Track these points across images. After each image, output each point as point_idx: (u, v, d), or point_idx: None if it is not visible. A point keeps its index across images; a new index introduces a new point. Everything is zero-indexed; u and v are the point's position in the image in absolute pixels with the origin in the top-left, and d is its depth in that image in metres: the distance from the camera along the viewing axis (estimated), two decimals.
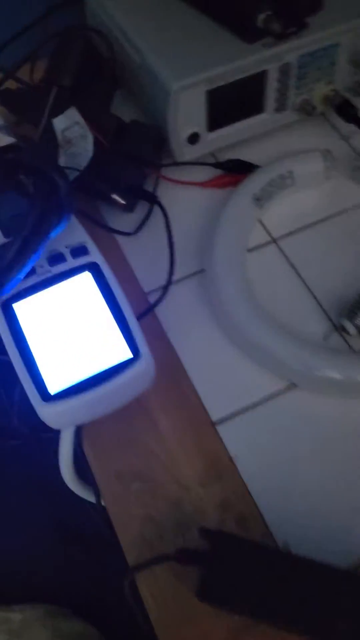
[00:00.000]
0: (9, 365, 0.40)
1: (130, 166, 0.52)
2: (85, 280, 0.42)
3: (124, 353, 0.39)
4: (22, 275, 0.39)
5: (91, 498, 0.50)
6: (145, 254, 0.54)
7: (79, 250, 0.43)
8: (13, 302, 0.41)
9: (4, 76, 0.56)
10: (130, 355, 0.39)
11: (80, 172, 0.49)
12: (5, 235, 0.43)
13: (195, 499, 0.43)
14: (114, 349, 0.39)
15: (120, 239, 0.55)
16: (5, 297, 0.40)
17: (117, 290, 0.41)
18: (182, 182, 0.56)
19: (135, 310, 0.43)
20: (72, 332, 0.40)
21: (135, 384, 0.39)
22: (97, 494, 0.45)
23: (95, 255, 0.43)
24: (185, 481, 0.43)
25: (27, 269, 0.39)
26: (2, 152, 0.40)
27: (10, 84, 0.57)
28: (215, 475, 0.43)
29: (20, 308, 0.41)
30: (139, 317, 0.48)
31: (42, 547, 0.81)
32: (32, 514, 0.80)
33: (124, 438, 0.45)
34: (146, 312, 0.49)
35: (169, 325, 0.50)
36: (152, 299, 0.51)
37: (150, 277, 0.52)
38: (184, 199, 0.56)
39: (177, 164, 0.55)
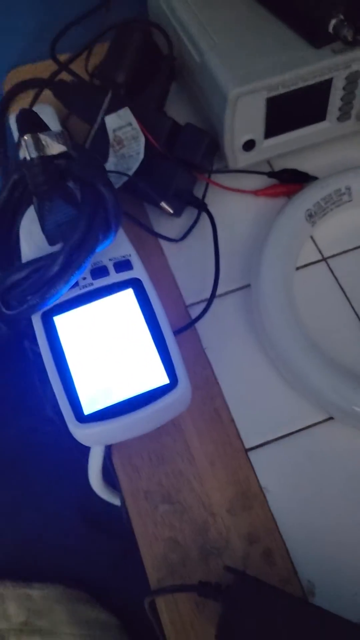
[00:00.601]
0: None
1: (181, 170, 0.50)
2: (126, 298, 0.41)
3: (161, 378, 0.38)
4: (65, 290, 0.38)
5: (117, 502, 0.50)
6: (189, 263, 0.52)
7: (123, 265, 0.41)
8: (54, 315, 0.40)
9: (58, 68, 0.54)
10: (167, 381, 0.38)
11: (129, 178, 0.48)
12: (50, 242, 0.42)
13: (222, 526, 0.42)
14: (151, 373, 0.38)
15: (165, 244, 0.53)
16: (46, 308, 0.39)
17: (159, 310, 0.40)
18: (233, 190, 0.54)
19: (174, 323, 0.42)
20: (109, 350, 0.39)
21: (170, 410, 0.38)
22: (123, 501, 0.45)
23: (139, 271, 0.41)
24: (213, 507, 0.43)
25: (71, 283, 0.38)
26: (53, 158, 0.39)
27: (64, 76, 0.56)
28: (244, 504, 0.43)
29: (61, 321, 0.40)
30: (178, 331, 0.47)
31: (66, 531, 0.82)
32: (60, 498, 0.81)
33: (155, 456, 0.44)
34: (186, 327, 0.48)
35: (208, 342, 0.48)
36: (192, 311, 0.50)
37: (192, 288, 0.51)
38: (233, 207, 0.54)
39: (229, 171, 0.53)
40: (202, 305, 0.49)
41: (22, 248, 0.43)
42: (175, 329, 0.45)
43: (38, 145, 0.38)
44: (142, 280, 0.41)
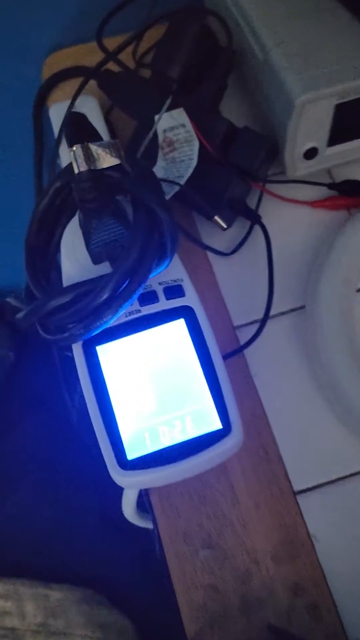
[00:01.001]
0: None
1: (236, 179, 0.46)
2: (177, 329, 0.37)
3: (214, 423, 0.35)
4: (112, 320, 0.34)
5: (150, 526, 0.47)
6: (238, 280, 0.48)
7: (174, 291, 0.38)
8: (97, 344, 0.36)
9: (104, 57, 0.50)
10: (219, 426, 0.35)
11: (181, 187, 0.44)
12: (95, 261, 0.38)
13: (266, 575, 0.39)
14: (201, 416, 0.35)
15: (213, 258, 0.49)
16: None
17: (212, 344, 0.37)
18: (289, 200, 0.50)
19: (221, 347, 0.38)
20: (156, 388, 0.36)
21: (220, 457, 0.35)
22: (158, 536, 0.42)
23: (191, 298, 0.38)
24: (257, 554, 0.40)
25: (119, 314, 0.34)
26: (103, 172, 0.35)
27: (111, 66, 0.51)
28: (290, 553, 0.39)
29: (104, 351, 0.36)
30: (226, 356, 0.43)
31: (87, 531, 0.80)
32: (81, 498, 0.79)
33: (196, 496, 0.41)
34: (235, 352, 0.44)
35: (257, 369, 0.45)
36: (241, 334, 0.46)
37: (241, 308, 0.47)
38: (288, 220, 0.50)
39: (287, 181, 0.49)
40: (252, 328, 0.45)
41: (62, 264, 0.39)
42: (222, 353, 0.41)
43: (88, 157, 0.34)
44: (194, 309, 0.37)
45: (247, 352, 0.45)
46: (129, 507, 0.42)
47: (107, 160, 0.35)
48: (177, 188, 0.44)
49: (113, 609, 0.79)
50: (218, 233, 0.49)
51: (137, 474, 0.34)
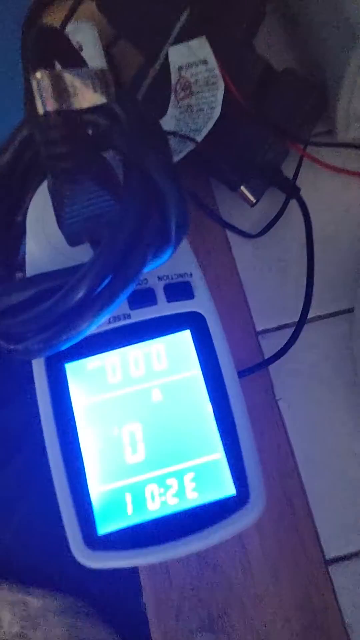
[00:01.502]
0: None
1: (272, 139, 0.34)
2: (180, 345, 0.26)
3: (224, 486, 0.24)
4: (88, 331, 0.24)
5: None
6: (267, 270, 0.37)
7: (180, 290, 0.27)
8: (66, 361, 0.26)
9: None
10: (232, 491, 0.24)
11: (197, 146, 0.32)
12: (71, 241, 0.27)
13: None
14: (208, 475, 0.25)
15: (234, 239, 0.38)
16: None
17: (228, 369, 0.26)
18: (338, 170, 0.38)
19: (239, 359, 0.28)
20: (146, 429, 0.25)
21: (229, 533, 0.24)
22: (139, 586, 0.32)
23: (202, 301, 0.27)
24: None
25: (98, 323, 0.24)
26: (81, 115, 0.24)
27: None
28: None
29: (76, 372, 0.26)
30: (244, 372, 0.33)
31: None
32: None
33: (195, 557, 0.31)
34: (256, 368, 0.33)
35: (285, 391, 0.34)
36: (265, 342, 0.35)
37: (268, 308, 0.36)
38: (336, 195, 0.39)
39: (336, 144, 0.37)
40: (281, 335, 0.35)
41: (27, 244, 0.29)
42: (240, 368, 0.30)
43: (60, 90, 0.23)
44: (206, 317, 0.27)
45: (273, 367, 0.34)
46: None
47: (87, 97, 0.24)
48: (192, 146, 0.32)
49: (97, 620, 0.71)
50: (243, 208, 0.38)
51: (110, 556, 0.24)
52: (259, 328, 0.36)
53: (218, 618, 0.30)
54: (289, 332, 0.34)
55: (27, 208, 0.30)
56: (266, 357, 0.34)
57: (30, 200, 0.30)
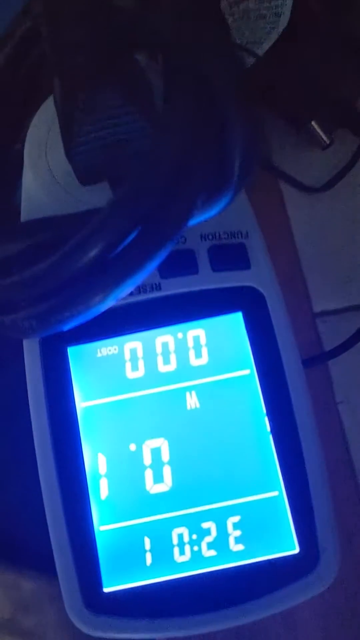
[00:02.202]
0: None
1: (353, 61, 0.26)
2: (228, 331, 0.19)
3: (283, 541, 0.17)
4: (104, 308, 0.16)
5: None
6: (330, 235, 0.29)
7: (230, 255, 0.19)
8: (69, 344, 0.19)
9: None
10: (294, 547, 0.17)
11: (258, 60, 0.24)
12: (83, 179, 0.19)
13: None
14: (260, 521, 0.17)
15: (290, 193, 0.30)
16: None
17: (294, 370, 0.18)
18: None
19: None
20: (175, 448, 0.18)
21: (285, 604, 0.17)
22: None
23: (260, 272, 0.19)
24: None
25: (117, 297, 0.16)
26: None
27: None
28: None
29: (82, 359, 0.19)
30: None
31: None
32: None
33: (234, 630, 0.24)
34: (315, 361, 0.26)
35: (348, 392, 0.27)
36: (325, 329, 0.28)
37: (331, 285, 0.29)
38: None
39: None
40: (345, 319, 0.27)
41: (24, 181, 0.21)
42: None
43: None
44: (266, 296, 0.19)
45: (333, 361, 0.27)
46: None
47: None
48: (250, 61, 0.24)
49: None
50: (302, 156, 0.30)
51: (117, 624, 0.17)
52: (317, 309, 0.28)
53: None
54: (356, 316, 0.26)
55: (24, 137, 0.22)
56: (326, 348, 0.26)
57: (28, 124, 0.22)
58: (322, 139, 0.26)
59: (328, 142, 0.26)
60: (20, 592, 0.68)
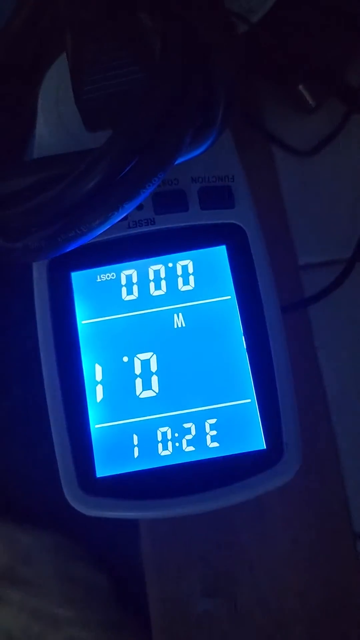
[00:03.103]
0: None
1: (336, 31, 0.28)
2: (212, 262, 0.21)
3: (253, 439, 0.20)
4: (102, 230, 0.19)
5: None
6: (318, 195, 0.32)
7: (217, 195, 0.22)
8: (73, 270, 0.21)
9: None
10: (262, 445, 0.20)
11: (252, 28, 0.26)
12: (89, 126, 0.22)
13: None
14: (233, 422, 0.20)
15: (281, 157, 0.32)
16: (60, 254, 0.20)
17: (269, 297, 0.21)
18: None
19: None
20: (163, 360, 0.21)
21: (254, 492, 0.20)
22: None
23: (243, 212, 0.22)
24: (286, 617, 0.26)
25: (115, 220, 0.19)
26: None
27: None
28: (337, 627, 0.26)
29: (84, 284, 0.21)
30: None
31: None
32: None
33: (207, 518, 0.27)
34: (294, 306, 0.29)
35: (326, 338, 0.29)
36: (308, 278, 0.30)
37: (315, 239, 0.31)
38: None
39: None
40: (328, 272, 0.29)
41: (37, 127, 0.23)
42: None
43: None
44: (247, 232, 0.22)
45: (315, 309, 0.29)
46: None
47: None
48: (244, 27, 0.26)
49: (88, 562, 0.69)
50: (294, 121, 0.32)
51: (107, 504, 0.19)
52: (302, 262, 0.31)
53: (224, 583, 0.26)
54: (338, 269, 0.29)
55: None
56: (307, 296, 0.29)
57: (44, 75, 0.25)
58: (309, 102, 0.29)
59: (314, 105, 0.29)
60: (19, 544, 0.71)
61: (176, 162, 0.19)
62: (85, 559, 0.69)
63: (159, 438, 0.20)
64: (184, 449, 0.20)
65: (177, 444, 0.20)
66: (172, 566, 0.27)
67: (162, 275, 0.21)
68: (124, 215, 0.18)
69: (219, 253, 0.21)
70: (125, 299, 0.21)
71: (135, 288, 0.21)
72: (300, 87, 0.28)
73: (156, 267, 0.21)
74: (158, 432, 0.20)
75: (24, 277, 0.23)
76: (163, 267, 0.21)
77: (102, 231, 0.19)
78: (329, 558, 0.26)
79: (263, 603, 0.26)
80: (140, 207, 0.22)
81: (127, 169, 0.18)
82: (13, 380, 0.65)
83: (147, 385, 0.20)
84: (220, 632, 0.26)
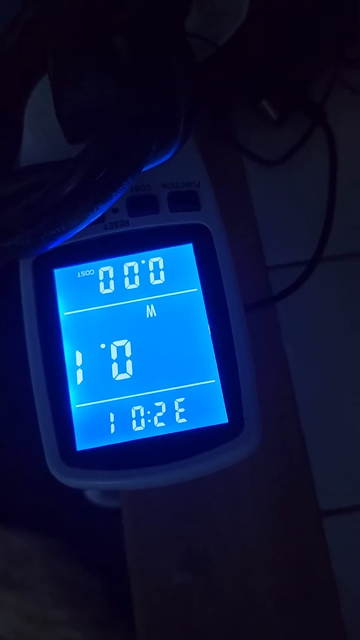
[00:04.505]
0: None
1: (300, 54, 0.31)
2: (180, 258, 0.24)
3: (216, 414, 0.22)
4: (80, 228, 0.21)
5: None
6: (284, 201, 0.34)
7: (185, 199, 0.24)
8: (56, 267, 0.24)
9: None
10: (224, 419, 0.22)
11: (218, 50, 0.29)
12: (70, 138, 0.24)
13: (266, 624, 0.28)
14: (199, 399, 0.22)
15: (250, 167, 0.35)
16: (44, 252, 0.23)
17: (231, 288, 0.24)
18: None
19: (245, 294, 0.25)
20: (136, 346, 0.23)
21: (218, 464, 0.22)
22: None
23: (208, 213, 0.24)
24: (256, 591, 0.28)
25: (91, 219, 0.21)
26: None
27: None
28: (303, 597, 0.28)
29: (66, 280, 0.24)
30: (250, 307, 0.30)
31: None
32: None
33: (181, 494, 0.29)
34: (263, 303, 0.31)
35: (292, 332, 0.32)
36: (275, 278, 0.33)
37: (282, 243, 0.34)
38: None
39: None
40: (293, 272, 0.32)
41: (24, 140, 0.26)
42: (245, 303, 0.28)
43: None
44: (211, 231, 0.24)
45: (281, 305, 0.32)
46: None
47: None
48: (211, 50, 0.29)
49: (78, 564, 0.71)
50: (263, 133, 0.35)
51: (87, 474, 0.22)
52: (270, 263, 0.33)
53: (199, 558, 0.28)
54: (302, 269, 0.31)
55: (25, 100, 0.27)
56: (274, 294, 0.31)
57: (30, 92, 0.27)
58: (271, 116, 0.31)
59: (276, 119, 0.31)
60: (11, 547, 0.73)
61: (144, 169, 0.21)
62: (77, 561, 0.71)
63: (133, 415, 0.22)
64: (155, 424, 0.22)
65: (149, 421, 0.22)
66: (151, 542, 0.29)
67: (136, 271, 0.24)
68: (99, 215, 0.21)
69: (187, 250, 0.24)
70: (102, 293, 0.24)
71: (111, 283, 0.24)
72: (264, 102, 0.31)
73: (130, 263, 0.24)
74: (132, 410, 0.22)
75: (7, 275, 0.25)
76: (136, 264, 0.24)
77: (80, 230, 0.21)
78: (296, 532, 0.29)
79: (235, 577, 0.28)
80: (115, 210, 0.24)
81: (100, 175, 0.20)
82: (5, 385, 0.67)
83: (122, 369, 0.23)
84: (193, 605, 0.28)
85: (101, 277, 0.24)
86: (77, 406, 0.22)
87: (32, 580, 0.69)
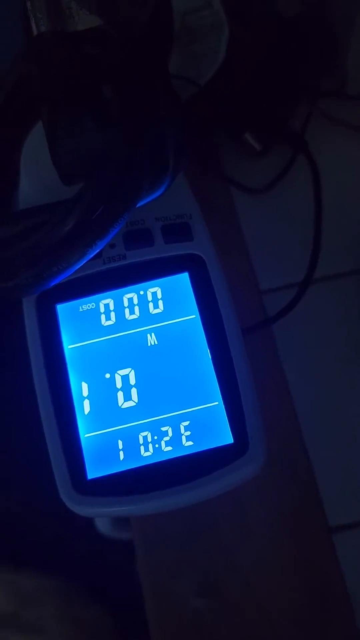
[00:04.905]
0: None
1: (278, 89, 0.33)
2: (177, 287, 0.25)
3: (221, 435, 0.23)
4: (79, 265, 0.22)
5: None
6: (272, 228, 0.36)
7: (178, 231, 0.26)
8: (58, 302, 0.25)
9: None
10: (229, 439, 0.23)
11: (201, 89, 0.31)
12: (66, 180, 0.26)
13: None
14: (204, 423, 0.23)
15: (239, 196, 0.36)
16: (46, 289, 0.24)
17: (228, 313, 0.24)
18: (349, 126, 0.36)
19: (242, 318, 0.26)
20: (141, 374, 0.24)
21: (227, 485, 0.23)
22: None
23: (201, 243, 0.26)
24: (272, 612, 0.28)
25: (90, 256, 0.22)
26: (77, 41, 0.23)
27: None
28: (320, 613, 0.28)
29: (68, 314, 0.25)
30: (247, 331, 0.31)
31: (62, 514, 0.69)
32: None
33: (191, 520, 0.30)
34: (258, 327, 0.32)
35: (289, 352, 0.33)
36: (269, 302, 0.34)
37: (273, 267, 0.35)
38: (346, 152, 0.37)
39: (348, 97, 0.36)
40: (286, 294, 0.33)
41: (21, 185, 0.27)
42: (242, 327, 0.29)
43: (54, 11, 0.22)
44: (205, 260, 0.25)
45: (277, 327, 0.33)
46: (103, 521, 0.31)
47: (87, 19, 0.22)
48: (194, 90, 0.31)
49: (90, 601, 0.70)
50: (247, 163, 0.36)
51: (99, 502, 0.22)
52: (263, 287, 0.34)
53: (215, 583, 0.29)
54: (294, 291, 0.32)
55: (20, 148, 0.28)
56: (269, 316, 0.32)
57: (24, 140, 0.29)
58: (254, 147, 0.33)
59: (260, 149, 0.33)
60: (21, 589, 0.73)
61: (138, 205, 0.23)
62: (88, 598, 0.70)
63: (141, 441, 0.23)
64: (163, 449, 0.23)
65: (157, 445, 0.23)
66: (165, 569, 0.29)
67: (135, 301, 0.25)
68: (97, 251, 0.22)
69: (183, 279, 0.25)
70: (104, 324, 0.25)
71: (112, 314, 0.25)
72: (247, 135, 0.32)
73: (130, 295, 0.25)
74: (140, 436, 0.23)
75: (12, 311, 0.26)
76: (135, 295, 0.25)
77: (80, 265, 0.22)
78: (307, 551, 0.29)
79: (252, 600, 0.28)
80: (112, 245, 0.25)
81: (97, 213, 0.21)
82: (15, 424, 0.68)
83: (127, 397, 0.24)
84: (210, 629, 0.28)
85: (102, 309, 0.25)
86: (86, 435, 0.23)
87: (42, 621, 0.68)
